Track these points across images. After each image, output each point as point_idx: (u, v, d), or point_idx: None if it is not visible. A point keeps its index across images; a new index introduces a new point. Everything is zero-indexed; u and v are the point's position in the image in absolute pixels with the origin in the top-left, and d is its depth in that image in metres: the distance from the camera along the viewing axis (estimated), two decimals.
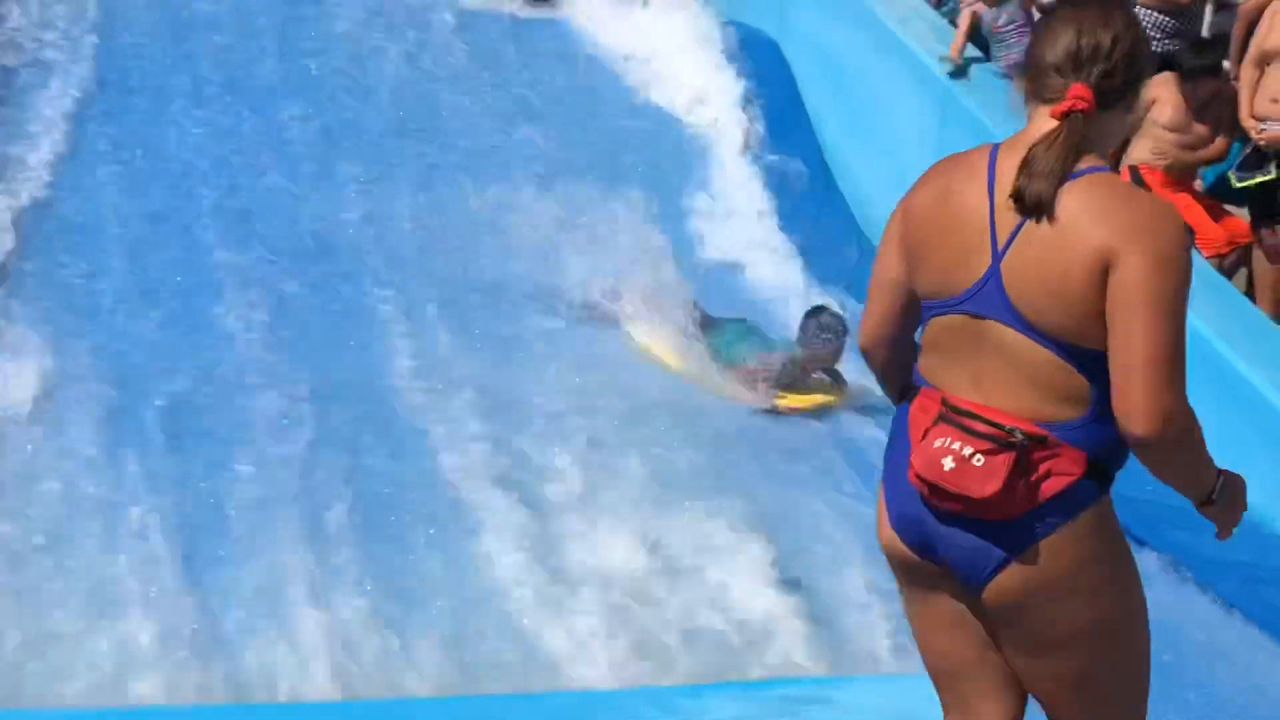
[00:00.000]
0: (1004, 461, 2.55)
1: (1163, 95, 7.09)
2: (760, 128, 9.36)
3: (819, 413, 6.75)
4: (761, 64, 9.77)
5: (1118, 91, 2.61)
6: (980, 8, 8.17)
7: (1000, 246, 2.61)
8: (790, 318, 7.37)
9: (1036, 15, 7.94)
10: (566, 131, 9.13)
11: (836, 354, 6.83)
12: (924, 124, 8.32)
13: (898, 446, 2.74)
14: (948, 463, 2.58)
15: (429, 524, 5.24)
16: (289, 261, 7.38)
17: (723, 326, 7.05)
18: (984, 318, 2.63)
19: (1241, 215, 7.18)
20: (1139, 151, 7.16)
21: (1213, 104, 7.16)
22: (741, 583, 4.91)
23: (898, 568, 2.79)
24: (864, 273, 8.51)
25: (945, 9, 8.99)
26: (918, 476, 2.63)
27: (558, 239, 7.49)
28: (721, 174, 9.15)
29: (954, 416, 2.62)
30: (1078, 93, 2.57)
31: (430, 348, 6.75)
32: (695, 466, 5.83)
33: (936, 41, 8.63)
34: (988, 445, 2.58)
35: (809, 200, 8.97)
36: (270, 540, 5.01)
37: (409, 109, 9.05)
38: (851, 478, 5.98)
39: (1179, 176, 7.23)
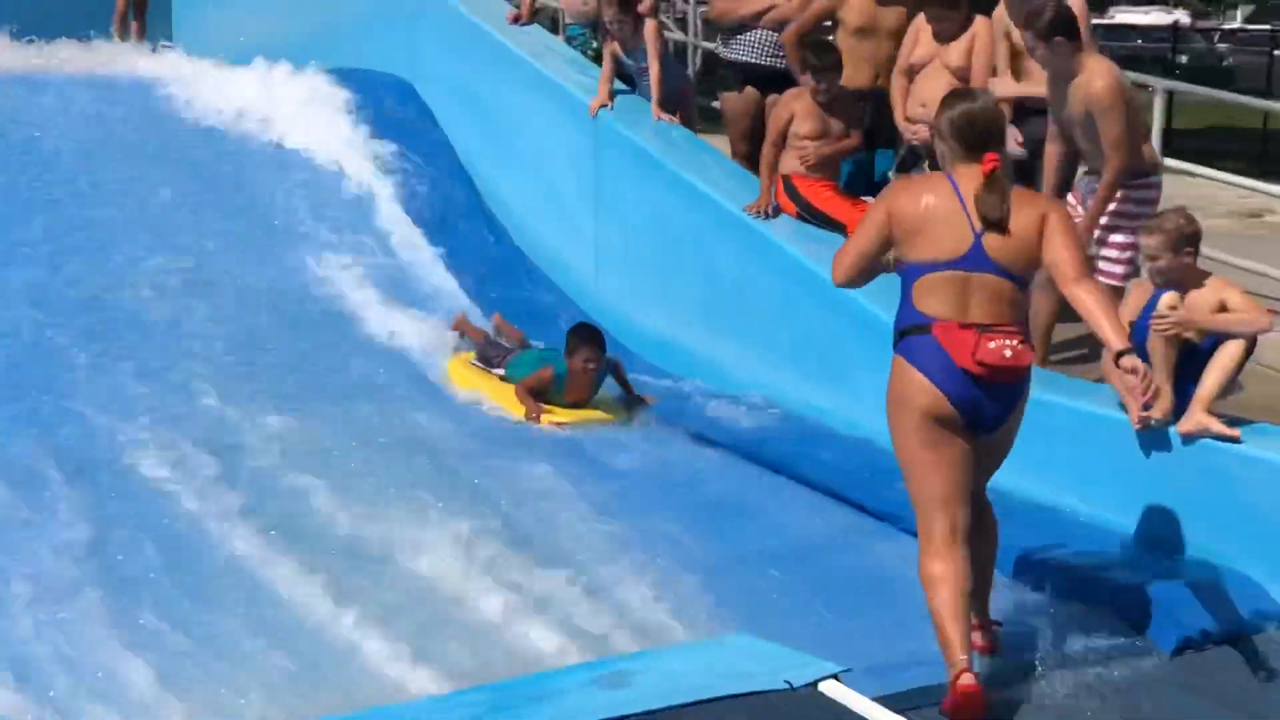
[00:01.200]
0: (1028, 346, 4.54)
1: (798, 109, 7.76)
2: (409, 167, 9.57)
3: (590, 428, 7.12)
4: (398, 106, 10.02)
5: None
6: (618, 49, 8.62)
7: (977, 230, 4.51)
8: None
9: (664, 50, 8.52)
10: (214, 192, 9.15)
11: (599, 361, 7.31)
12: (578, 150, 8.75)
13: (934, 356, 4.50)
14: (1007, 352, 4.46)
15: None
16: None
17: (520, 353, 7.66)
18: (970, 271, 4.49)
19: None
20: (788, 164, 7.79)
21: (841, 99, 7.86)
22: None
23: (935, 424, 4.48)
24: (533, 294, 8.94)
25: (578, 44, 9.48)
26: (982, 364, 4.45)
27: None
28: (378, 217, 9.32)
29: (991, 329, 4.50)
30: (992, 158, 4.53)
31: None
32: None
33: (576, 73, 9.10)
34: (1018, 339, 4.54)
35: (470, 233, 9.24)
36: None
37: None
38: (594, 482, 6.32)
39: (823, 175, 7.90)
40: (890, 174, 7.80)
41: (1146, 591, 5.16)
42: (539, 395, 7.32)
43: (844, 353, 7.14)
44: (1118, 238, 6.67)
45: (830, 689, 4.32)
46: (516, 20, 9.71)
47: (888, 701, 4.29)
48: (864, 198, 8.03)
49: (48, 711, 4.35)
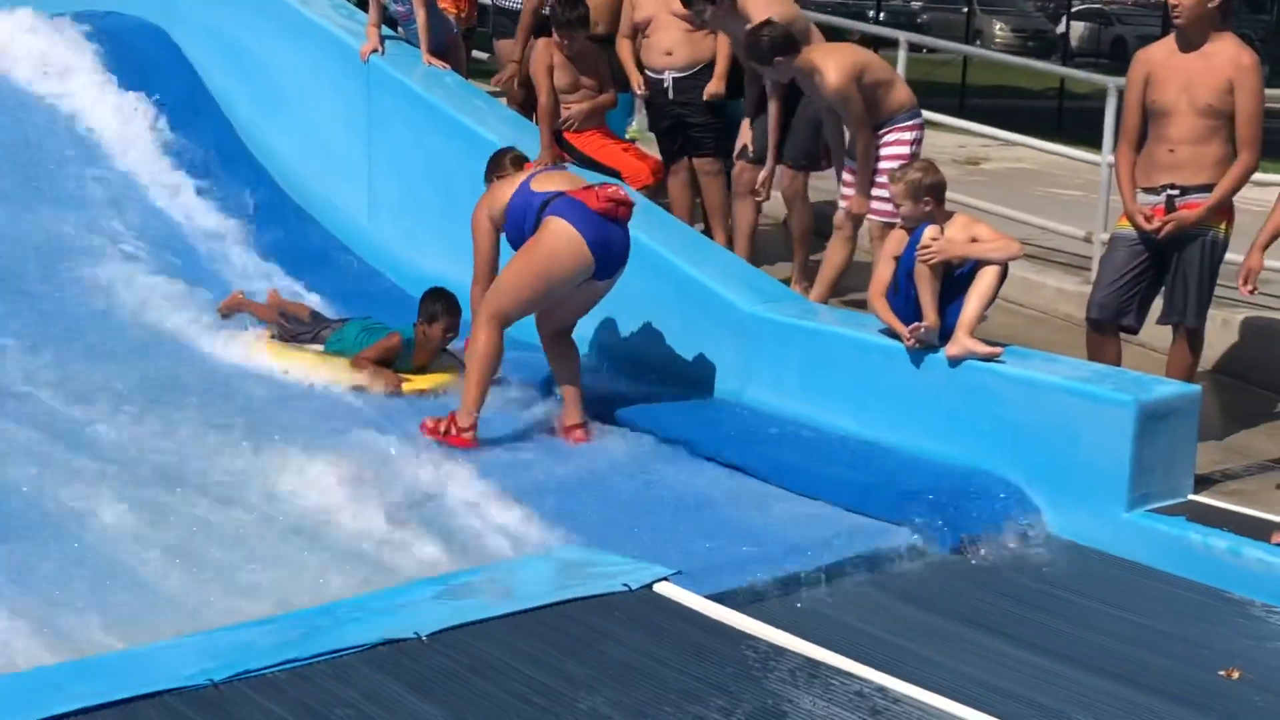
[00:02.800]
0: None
1: (553, 61, 8.04)
2: (164, 115, 9.43)
3: (444, 391, 6.92)
4: (152, 52, 9.85)
5: None
6: None
7: None
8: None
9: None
10: None
11: (456, 327, 7.09)
12: (348, 95, 8.82)
13: (576, 209, 6.25)
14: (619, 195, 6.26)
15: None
16: None
17: (341, 327, 7.32)
18: None
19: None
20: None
21: (588, 53, 8.20)
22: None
23: (581, 273, 6.26)
24: (303, 237, 9.01)
25: None
26: (611, 200, 6.25)
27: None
28: (134, 165, 9.16)
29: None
30: None
31: None
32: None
33: (342, 17, 9.16)
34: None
35: (234, 179, 9.18)
36: None
37: None
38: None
39: (591, 126, 8.22)
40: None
41: (929, 498, 5.66)
42: (386, 365, 7.06)
43: (626, 290, 7.47)
44: (881, 179, 7.24)
45: (665, 589, 4.68)
46: None
47: (717, 599, 4.67)
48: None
49: None
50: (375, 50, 8.67)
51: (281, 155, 9.30)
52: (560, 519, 5.41)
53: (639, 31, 8.25)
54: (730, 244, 7.94)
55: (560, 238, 6.23)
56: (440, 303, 7.15)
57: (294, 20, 9.20)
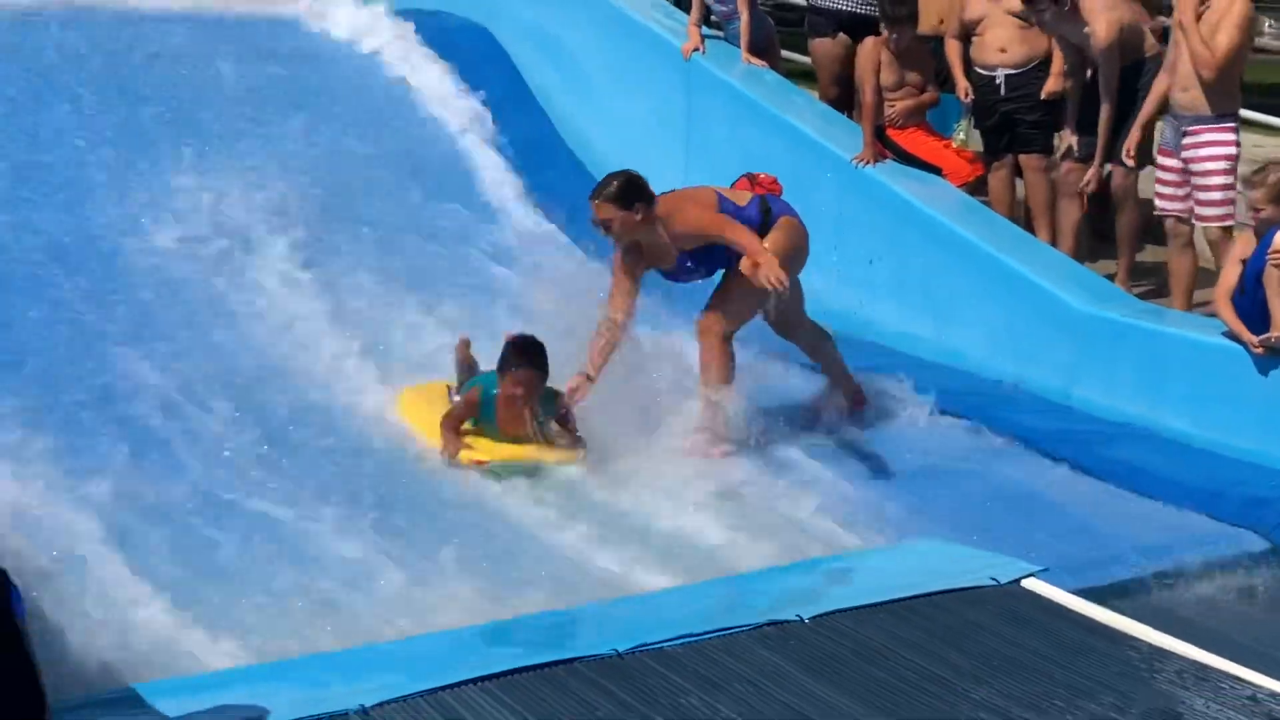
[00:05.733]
0: None
1: (880, 59, 8.13)
2: (488, 112, 9.65)
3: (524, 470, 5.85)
4: (475, 51, 10.19)
5: None
6: None
7: None
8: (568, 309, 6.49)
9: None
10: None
11: (530, 384, 5.87)
12: (668, 93, 9.07)
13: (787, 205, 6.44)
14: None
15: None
16: None
17: (475, 378, 6.17)
18: None
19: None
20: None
21: (914, 51, 8.27)
22: None
23: None
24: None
25: None
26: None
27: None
28: (464, 161, 9.49)
29: None
30: None
31: None
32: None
33: (662, 14, 9.41)
34: None
35: (557, 176, 9.37)
36: None
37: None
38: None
39: (913, 123, 8.30)
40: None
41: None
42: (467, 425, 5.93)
43: (948, 285, 7.54)
44: (1217, 180, 7.15)
45: (1032, 585, 4.76)
46: None
47: (1084, 595, 4.74)
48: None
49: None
50: (696, 49, 8.90)
51: (598, 152, 9.56)
52: (914, 512, 5.54)
53: (969, 30, 8.23)
54: (1054, 243, 7.93)
55: (802, 233, 6.29)
56: (513, 347, 5.89)
57: (614, 17, 9.48)
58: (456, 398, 6.07)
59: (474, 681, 3.93)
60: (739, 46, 8.83)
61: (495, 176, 9.30)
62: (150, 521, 5.17)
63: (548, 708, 3.85)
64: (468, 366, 6.26)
